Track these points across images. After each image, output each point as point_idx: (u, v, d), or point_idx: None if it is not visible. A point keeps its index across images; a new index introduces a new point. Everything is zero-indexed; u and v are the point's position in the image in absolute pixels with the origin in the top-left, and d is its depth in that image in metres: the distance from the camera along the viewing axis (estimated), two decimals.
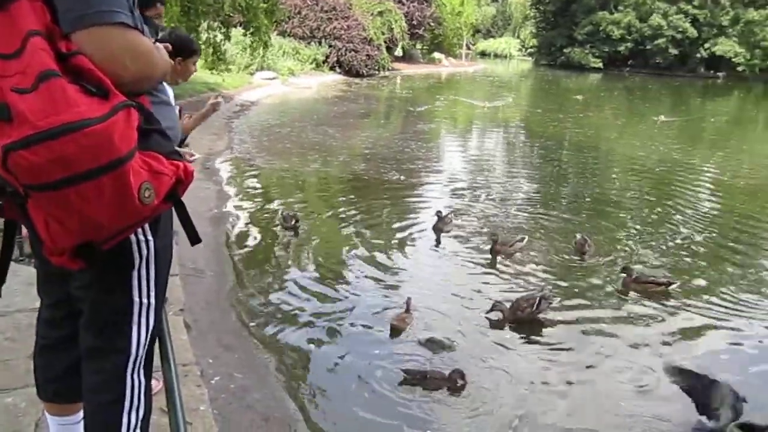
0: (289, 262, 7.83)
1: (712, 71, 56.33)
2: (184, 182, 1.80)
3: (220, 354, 5.34)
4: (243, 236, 8.69)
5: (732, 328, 6.54)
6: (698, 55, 56.02)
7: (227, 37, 20.58)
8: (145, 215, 1.70)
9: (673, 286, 7.29)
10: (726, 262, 8.52)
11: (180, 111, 4.91)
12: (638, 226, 10.05)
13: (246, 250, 8.21)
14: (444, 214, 9.33)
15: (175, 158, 1.79)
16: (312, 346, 5.83)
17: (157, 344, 2.21)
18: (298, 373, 5.40)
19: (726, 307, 7.00)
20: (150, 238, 1.95)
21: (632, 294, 7.25)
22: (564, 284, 7.54)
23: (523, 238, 8.52)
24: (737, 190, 13.45)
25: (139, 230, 1.89)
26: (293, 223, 8.82)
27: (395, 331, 6.22)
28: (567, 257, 8.43)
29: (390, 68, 40.28)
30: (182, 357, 4.41)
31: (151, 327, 2.05)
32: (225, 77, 23.40)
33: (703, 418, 4.88)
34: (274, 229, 8.98)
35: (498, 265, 8.05)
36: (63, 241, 1.63)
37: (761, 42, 52.59)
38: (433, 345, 5.86)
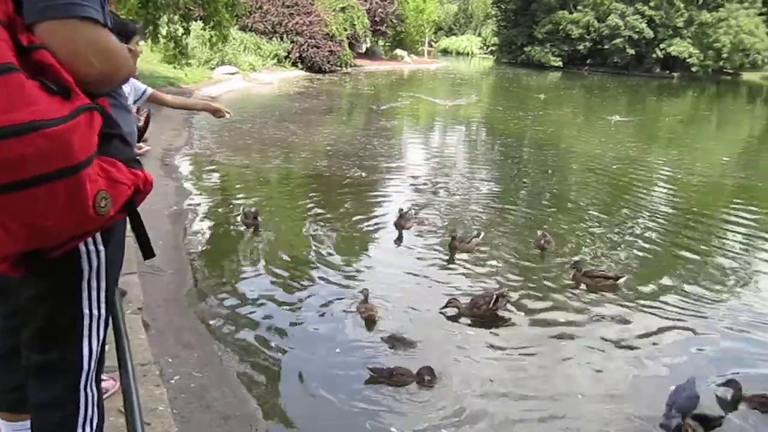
0: (250, 259, 7.77)
1: (667, 71, 57.67)
2: (143, 192, 1.72)
3: (180, 353, 5.28)
4: (203, 233, 8.59)
5: (684, 326, 6.71)
6: (654, 56, 57.25)
7: (187, 31, 20.26)
8: (99, 225, 1.61)
9: (621, 280, 7.46)
10: (679, 258, 8.74)
11: (138, 110, 4.84)
12: (596, 223, 10.25)
13: (206, 247, 8.11)
14: (405, 210, 9.38)
15: (135, 166, 1.70)
16: (273, 343, 5.80)
17: (114, 343, 2.17)
18: (259, 371, 5.37)
19: (679, 305, 7.18)
20: (101, 248, 1.81)
21: (589, 290, 7.39)
22: (524, 279, 7.65)
23: (479, 234, 8.62)
24: (691, 187, 13.80)
25: (90, 239, 1.77)
26: (254, 219, 8.74)
27: (369, 323, 6.30)
28: (527, 253, 8.55)
29: (352, 65, 40.17)
30: (141, 356, 4.34)
31: (102, 338, 1.93)
32: (185, 72, 23.03)
33: (659, 411, 5.02)
34: (235, 226, 8.89)
35: (458, 261, 8.12)
36: (6, 248, 1.52)
37: (713, 43, 54.07)
38: (394, 342, 5.88)
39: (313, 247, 8.29)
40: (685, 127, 25.93)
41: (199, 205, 9.81)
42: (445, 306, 6.52)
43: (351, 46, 40.21)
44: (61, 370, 1.88)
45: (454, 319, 6.46)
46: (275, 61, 34.28)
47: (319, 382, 5.25)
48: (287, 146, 14.84)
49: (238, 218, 8.97)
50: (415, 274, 7.67)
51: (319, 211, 9.84)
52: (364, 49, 45.99)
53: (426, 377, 5.28)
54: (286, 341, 5.87)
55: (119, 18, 4.58)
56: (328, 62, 36.07)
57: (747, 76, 57.59)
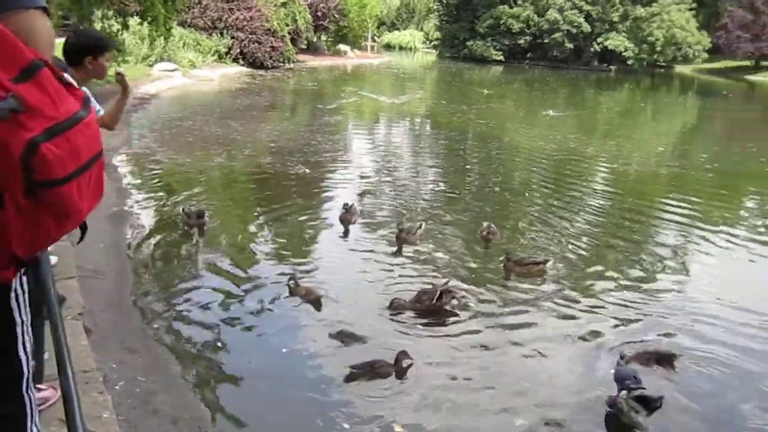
0: (195, 260, 7.64)
1: (604, 64, 59.23)
2: None
3: (124, 358, 5.16)
4: (145, 235, 8.38)
5: (622, 311, 6.94)
6: (592, 49, 58.74)
7: (124, 27, 19.69)
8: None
9: (549, 263, 7.73)
10: (618, 246, 9.03)
11: None
12: (539, 214, 10.47)
13: (148, 249, 7.92)
14: (350, 205, 9.41)
15: None
16: (220, 344, 5.72)
17: (53, 351, 2.11)
18: (207, 374, 5.30)
19: (618, 291, 7.44)
20: None
21: (522, 277, 7.57)
22: (469, 271, 7.76)
23: (421, 225, 8.71)
24: (628, 177, 14.27)
25: None
26: (198, 219, 8.60)
27: (316, 304, 6.52)
28: (473, 244, 8.68)
29: (295, 60, 39.81)
30: (83, 363, 4.22)
31: (32, 342, 1.92)
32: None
33: (599, 393, 5.19)
34: (178, 226, 8.72)
35: (405, 254, 8.19)
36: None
37: (647, 37, 55.89)
38: (344, 338, 5.88)
39: (260, 246, 8.22)
40: (622, 119, 26.73)
41: (140, 205, 9.59)
42: (389, 307, 6.55)
43: (293, 41, 39.82)
44: (5, 382, 1.87)
45: (402, 313, 6.50)
46: (216, 57, 33.68)
47: (267, 381, 5.23)
48: (230, 143, 14.62)
49: (180, 218, 8.80)
50: (362, 269, 7.69)
51: (265, 208, 9.75)
52: (306, 45, 45.62)
53: (404, 361, 5.41)
54: (233, 341, 5.80)
55: (91, 31, 4.46)
56: (270, 58, 35.64)
57: (679, 68, 59.70)
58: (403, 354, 5.44)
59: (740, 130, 25.23)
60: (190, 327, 5.99)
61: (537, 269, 7.65)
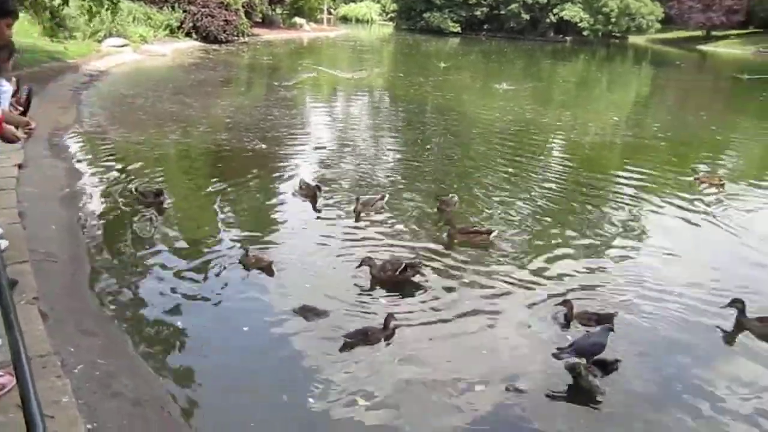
0: (152, 240, 7.50)
1: (560, 35, 59.75)
2: None
3: (82, 341, 5.06)
4: (100, 215, 8.19)
5: (579, 277, 7.12)
6: (548, 20, 59.15)
7: (65, 1, 18.96)
8: None
9: (493, 234, 7.85)
10: (575, 213, 9.24)
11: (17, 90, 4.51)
12: (497, 184, 10.60)
13: (103, 230, 7.74)
14: (311, 180, 9.37)
15: None
16: (181, 324, 5.66)
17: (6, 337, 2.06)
18: (169, 354, 5.25)
19: (574, 257, 7.63)
20: None
21: (465, 245, 7.70)
22: (429, 243, 7.82)
23: (383, 196, 8.73)
24: (584, 147, 14.49)
25: None
26: (156, 198, 8.45)
27: (268, 271, 6.63)
28: (433, 216, 8.74)
29: (249, 34, 38.99)
30: (39, 347, 4.15)
31: None
32: (68, 45, 21.65)
33: (566, 358, 5.32)
34: (134, 206, 8.54)
35: (367, 226, 8.22)
36: None
37: (602, 8, 56.53)
38: (306, 312, 5.88)
39: (219, 223, 8.12)
40: (578, 90, 27.07)
41: (93, 186, 9.34)
42: (360, 265, 6.63)
43: (247, 14, 38.94)
44: None
45: (362, 287, 6.53)
46: (167, 31, 32.77)
47: (230, 359, 5.20)
48: (184, 120, 14.32)
49: (138, 198, 8.62)
50: (323, 243, 7.67)
51: (223, 185, 9.61)
52: (261, 18, 44.74)
53: (391, 323, 5.57)
54: (194, 320, 5.75)
55: None
56: (224, 32, 34.85)
57: (633, 39, 60.65)
58: (390, 317, 5.61)
59: (692, 99, 25.82)
60: (149, 307, 5.92)
61: (479, 239, 7.79)
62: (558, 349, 5.32)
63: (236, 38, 36.31)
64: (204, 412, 4.55)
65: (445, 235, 7.94)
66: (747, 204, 10.27)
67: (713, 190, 10.64)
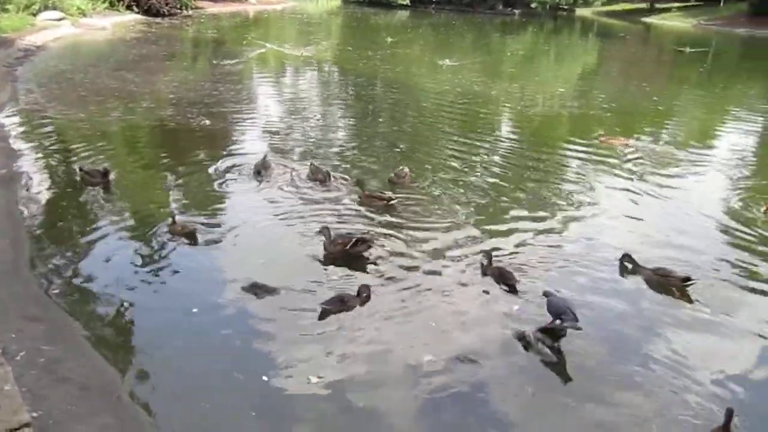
0: (98, 220, 7.30)
1: (509, 8, 59.95)
2: None
3: (24, 326, 4.92)
4: (40, 197, 7.93)
5: (528, 244, 7.25)
6: None
7: None
8: None
9: (393, 201, 8.13)
10: (524, 181, 9.36)
11: None
12: (447, 155, 10.66)
13: (45, 211, 7.51)
14: (262, 155, 9.29)
15: None
16: (129, 306, 5.54)
17: None
18: (116, 337, 5.14)
19: (524, 226, 7.75)
20: None
21: (374, 209, 7.96)
22: (380, 216, 7.83)
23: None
24: (531, 118, 14.64)
25: None
26: (102, 177, 8.22)
27: (191, 237, 6.76)
28: (385, 188, 8.74)
29: (193, 7, 37.97)
30: None
31: None
32: (0, 19, 20.67)
33: (515, 327, 5.44)
34: (77, 185, 8.28)
35: (317, 201, 8.19)
36: None
37: None
38: (256, 290, 5.82)
39: (167, 200, 7.96)
40: (526, 62, 27.27)
41: (33, 166, 9.02)
42: (319, 232, 6.67)
43: None
44: None
45: (314, 262, 6.51)
46: (107, 4, 31.67)
47: (180, 340, 5.13)
48: (126, 96, 13.89)
49: (83, 177, 8.36)
50: (273, 218, 7.62)
51: (170, 162, 9.40)
52: None
53: (364, 293, 5.76)
54: (142, 302, 5.64)
55: None
56: (167, 5, 33.86)
57: (580, 11, 61.37)
58: (364, 287, 5.81)
59: (636, 70, 26.29)
60: (96, 290, 5.77)
61: (381, 203, 8.10)
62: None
63: (179, 11, 35.35)
64: (156, 395, 4.48)
65: (358, 197, 8.23)
66: (684, 169, 10.68)
67: (653, 158, 10.94)
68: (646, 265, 6.58)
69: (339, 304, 5.62)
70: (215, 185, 8.64)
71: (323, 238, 6.63)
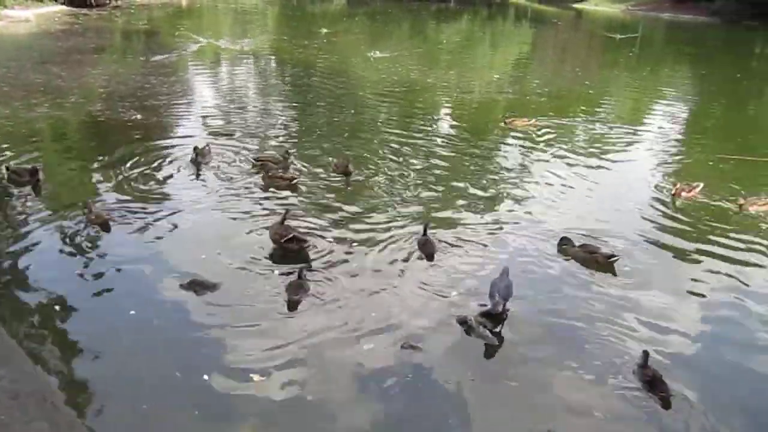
0: (27, 220, 7.02)
1: None
2: None
3: None
4: None
5: (470, 226, 7.36)
6: None
7: None
8: None
9: (296, 180, 8.34)
10: (464, 167, 9.50)
11: None
12: (385, 143, 10.68)
13: None
14: (202, 147, 9.14)
15: None
16: (63, 310, 5.36)
17: None
18: (51, 343, 4.96)
19: (465, 209, 7.88)
20: None
21: (276, 189, 8.12)
22: (322, 204, 7.82)
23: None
24: (467, 105, 14.78)
25: None
26: (31, 176, 7.90)
27: (104, 226, 6.79)
28: (328, 178, 8.73)
29: None
30: None
31: None
32: None
33: (450, 312, 5.51)
34: (3, 186, 7.93)
35: (256, 192, 8.11)
36: None
37: None
38: (196, 287, 5.72)
39: (101, 197, 7.70)
40: (462, 49, 27.48)
41: None
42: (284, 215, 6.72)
43: None
44: None
45: (253, 256, 6.42)
46: None
47: (117, 342, 4.98)
48: (53, 91, 13.35)
49: (11, 177, 8.02)
50: (215, 210, 7.51)
51: (102, 158, 9.09)
52: None
53: (304, 273, 5.84)
54: (77, 305, 5.46)
55: None
56: None
57: None
58: (302, 269, 5.87)
59: (568, 55, 26.91)
60: (28, 293, 5.56)
61: (284, 184, 8.32)
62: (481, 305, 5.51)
63: (108, 2, 34.11)
64: (93, 399, 4.37)
65: (261, 178, 8.38)
66: (612, 150, 11.12)
67: (583, 138, 11.24)
68: (575, 243, 6.89)
69: (302, 291, 5.68)
70: (150, 179, 8.42)
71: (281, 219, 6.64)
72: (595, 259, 6.64)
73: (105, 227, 6.71)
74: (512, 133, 11.73)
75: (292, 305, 5.55)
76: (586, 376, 4.85)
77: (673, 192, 8.60)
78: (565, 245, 6.89)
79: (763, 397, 4.85)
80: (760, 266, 6.77)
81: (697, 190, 8.57)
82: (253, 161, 8.83)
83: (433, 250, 6.65)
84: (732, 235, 7.49)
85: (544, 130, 11.92)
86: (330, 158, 9.10)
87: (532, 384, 4.77)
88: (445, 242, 6.97)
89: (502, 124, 12.09)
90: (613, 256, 6.64)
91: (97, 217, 6.74)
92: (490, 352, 5.15)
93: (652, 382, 4.72)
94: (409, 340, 5.14)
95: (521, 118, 12.29)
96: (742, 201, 8.21)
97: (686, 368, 5.05)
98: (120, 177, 8.41)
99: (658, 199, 8.61)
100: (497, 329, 5.36)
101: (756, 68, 26.83)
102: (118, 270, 6.07)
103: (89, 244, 6.50)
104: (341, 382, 4.67)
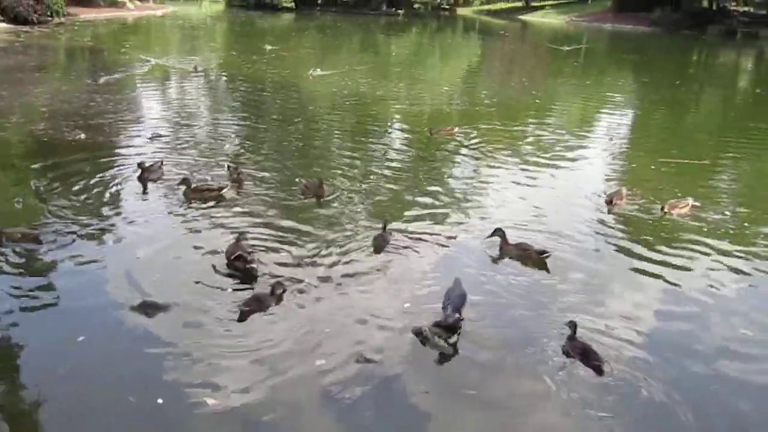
0: None
1: (393, 8, 60.86)
2: None
3: None
4: None
5: (428, 233, 7.40)
6: None
7: None
8: None
9: (225, 190, 8.39)
10: (420, 179, 9.62)
11: None
12: (339, 157, 10.74)
13: None
14: (149, 164, 9.03)
15: None
16: (7, 337, 5.16)
17: None
18: None
19: (422, 217, 7.91)
20: None
21: (200, 200, 8.15)
22: (278, 219, 7.76)
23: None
24: (420, 116, 14.92)
25: None
26: None
27: (36, 243, 6.66)
28: (280, 194, 8.71)
29: (66, 14, 35.92)
30: None
31: None
32: None
33: (412, 324, 5.51)
34: None
35: (209, 213, 7.97)
36: None
37: None
38: (146, 309, 5.58)
39: (46, 219, 7.46)
40: (412, 61, 27.76)
41: None
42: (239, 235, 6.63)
43: None
44: None
45: (205, 275, 6.30)
46: None
47: (64, 370, 4.81)
48: None
49: None
50: (163, 230, 7.37)
51: (44, 179, 8.81)
52: None
53: (278, 290, 5.80)
54: (20, 334, 5.25)
55: None
56: (35, 12, 31.81)
57: (461, 11, 63.27)
58: (278, 284, 5.85)
59: (516, 66, 27.46)
60: None
61: (212, 195, 8.30)
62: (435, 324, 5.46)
63: (50, 19, 33.35)
64: (41, 430, 4.21)
65: (182, 193, 8.30)
66: (557, 156, 11.46)
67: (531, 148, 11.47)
68: (511, 242, 7.19)
69: (256, 303, 5.64)
70: (97, 199, 8.20)
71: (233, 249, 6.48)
72: (529, 256, 7.01)
73: (36, 242, 6.70)
74: (464, 142, 11.89)
75: (242, 316, 5.54)
76: (542, 378, 4.92)
77: (665, 210, 8.49)
78: (498, 236, 7.16)
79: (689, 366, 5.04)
80: (686, 268, 7.04)
81: (688, 207, 8.58)
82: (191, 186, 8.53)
83: (381, 244, 6.99)
84: (661, 237, 7.82)
85: (474, 139, 12.11)
86: (298, 179, 9.01)
87: (489, 392, 4.79)
88: (399, 252, 6.99)
89: (428, 135, 12.30)
90: (544, 252, 6.99)
91: (24, 236, 6.72)
92: (446, 361, 5.16)
93: (585, 353, 5.08)
94: (364, 353, 5.12)
95: (445, 127, 12.56)
96: (666, 206, 8.43)
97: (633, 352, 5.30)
98: (65, 198, 8.17)
99: (596, 204, 8.85)
100: (453, 339, 5.38)
101: (694, 75, 27.90)
102: (64, 295, 5.88)
103: (32, 270, 6.28)
104: (297, 401, 4.61)
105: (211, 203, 8.21)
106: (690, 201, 8.59)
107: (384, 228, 7.23)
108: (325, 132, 12.88)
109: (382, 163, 10.54)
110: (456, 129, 12.55)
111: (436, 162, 10.78)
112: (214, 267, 6.44)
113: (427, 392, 4.76)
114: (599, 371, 4.94)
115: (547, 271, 6.77)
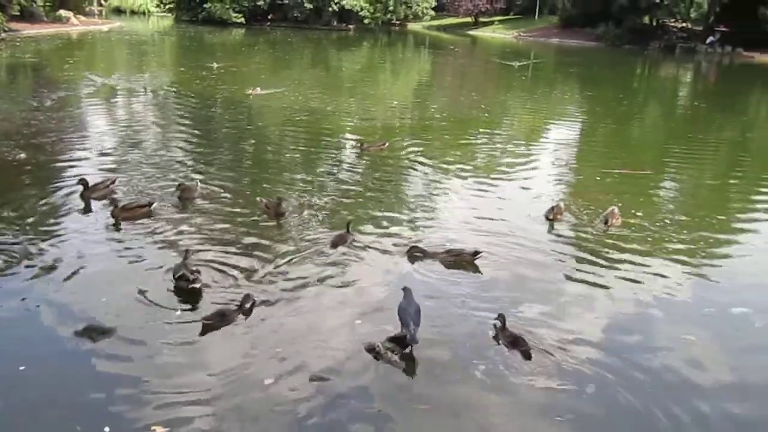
0: None
1: (344, 24, 61.14)
2: None
3: None
4: None
5: (377, 249, 7.41)
6: (330, 9, 60.07)
7: None
8: None
9: (154, 205, 8.38)
10: (375, 192, 9.66)
11: None
12: (290, 172, 10.74)
13: None
14: (96, 182, 8.96)
15: None
16: None
17: None
18: None
19: (378, 231, 7.92)
20: None
21: (126, 220, 8.01)
22: (229, 236, 7.65)
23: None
24: (371, 131, 14.97)
25: None
26: None
27: None
28: (231, 210, 8.63)
29: (7, 29, 34.95)
30: None
31: None
32: None
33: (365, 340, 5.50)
34: None
35: (160, 229, 7.88)
36: None
37: None
38: (91, 333, 5.42)
39: None
40: (362, 77, 27.89)
41: None
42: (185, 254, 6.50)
43: (2, 7, 34.91)
44: None
45: (153, 296, 6.17)
46: None
47: (3, 403, 4.65)
48: None
49: None
50: (106, 251, 7.21)
51: None
52: (19, 11, 40.22)
53: (248, 303, 5.84)
54: None
55: None
56: None
57: (411, 26, 64.02)
58: (247, 297, 5.87)
59: (466, 80, 27.85)
60: None
61: (142, 212, 8.21)
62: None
63: None
64: None
65: (109, 214, 8.15)
66: (503, 169, 11.64)
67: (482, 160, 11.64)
68: (438, 250, 7.37)
69: (219, 317, 5.64)
70: (39, 220, 7.96)
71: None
72: (463, 259, 7.21)
73: None
74: (417, 158, 12.04)
75: (204, 329, 5.58)
76: (494, 388, 4.98)
77: (608, 223, 8.63)
78: (417, 253, 7.30)
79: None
80: (631, 280, 7.19)
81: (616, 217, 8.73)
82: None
83: (338, 241, 7.39)
84: (601, 244, 8.08)
85: (425, 152, 12.25)
86: (259, 198, 8.88)
87: (443, 404, 4.81)
88: (351, 265, 7.02)
89: (358, 151, 12.38)
90: (477, 252, 7.25)
91: None
92: (400, 376, 5.15)
93: (514, 342, 5.52)
94: (318, 371, 5.08)
95: (375, 143, 12.65)
96: (609, 220, 8.59)
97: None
98: (3, 221, 7.91)
99: (537, 217, 8.98)
100: (406, 352, 5.39)
101: (637, 88, 28.81)
102: (4, 322, 5.69)
103: None
104: (249, 425, 4.53)
105: (148, 220, 8.13)
106: (614, 209, 8.72)
107: (347, 229, 7.55)
108: (276, 147, 12.82)
109: (333, 177, 10.56)
110: (387, 144, 12.65)
111: (387, 175, 10.83)
112: (159, 286, 6.31)
113: (379, 410, 4.73)
114: (527, 356, 5.38)
115: (480, 272, 7.06)
